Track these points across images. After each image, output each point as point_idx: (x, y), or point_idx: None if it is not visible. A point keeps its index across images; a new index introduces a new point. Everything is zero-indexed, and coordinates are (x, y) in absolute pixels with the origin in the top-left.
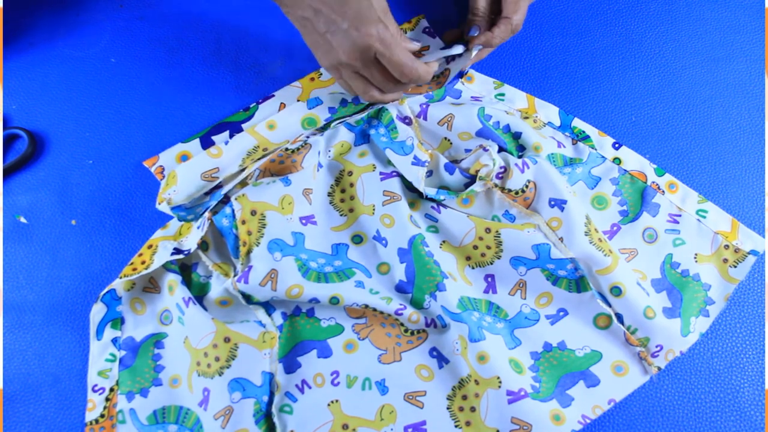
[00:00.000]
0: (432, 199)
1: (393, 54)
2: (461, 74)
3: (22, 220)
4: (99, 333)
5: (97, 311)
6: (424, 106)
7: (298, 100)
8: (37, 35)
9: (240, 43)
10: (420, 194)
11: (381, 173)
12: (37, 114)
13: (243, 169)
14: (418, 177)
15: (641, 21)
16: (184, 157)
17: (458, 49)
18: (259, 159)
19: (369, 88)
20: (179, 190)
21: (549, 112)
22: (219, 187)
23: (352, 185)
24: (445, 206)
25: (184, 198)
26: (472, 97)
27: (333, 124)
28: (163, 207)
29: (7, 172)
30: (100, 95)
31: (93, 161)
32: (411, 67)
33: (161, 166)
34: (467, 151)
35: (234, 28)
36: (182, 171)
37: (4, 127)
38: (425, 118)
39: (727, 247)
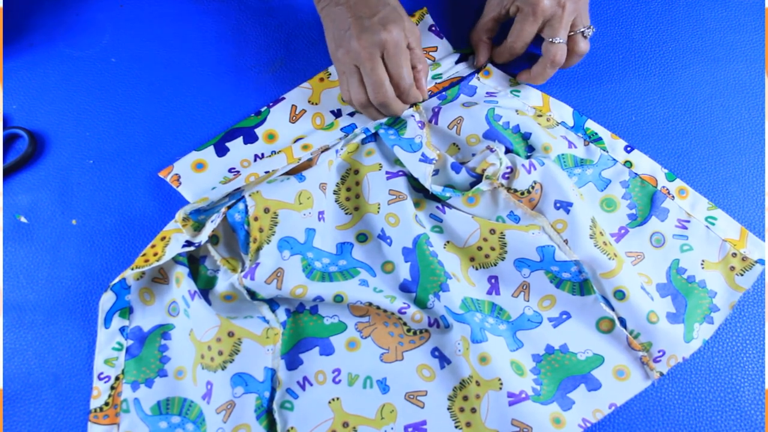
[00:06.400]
0: (437, 199)
1: (400, 62)
2: (478, 70)
3: (23, 219)
4: (107, 321)
5: (107, 299)
6: (437, 109)
7: (310, 102)
8: (37, 35)
9: (240, 43)
10: (425, 194)
11: (387, 172)
12: (37, 114)
13: (267, 173)
14: (425, 173)
15: (641, 21)
16: (200, 165)
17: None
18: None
19: (358, 90)
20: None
21: (563, 111)
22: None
23: (357, 183)
24: (450, 206)
25: (205, 203)
26: (487, 92)
27: (356, 131)
28: (178, 218)
29: (7, 172)
30: (100, 95)
31: (93, 161)
32: (407, 83)
33: (177, 174)
34: (474, 155)
35: (234, 27)
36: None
37: (4, 127)
38: (436, 123)
39: (734, 255)
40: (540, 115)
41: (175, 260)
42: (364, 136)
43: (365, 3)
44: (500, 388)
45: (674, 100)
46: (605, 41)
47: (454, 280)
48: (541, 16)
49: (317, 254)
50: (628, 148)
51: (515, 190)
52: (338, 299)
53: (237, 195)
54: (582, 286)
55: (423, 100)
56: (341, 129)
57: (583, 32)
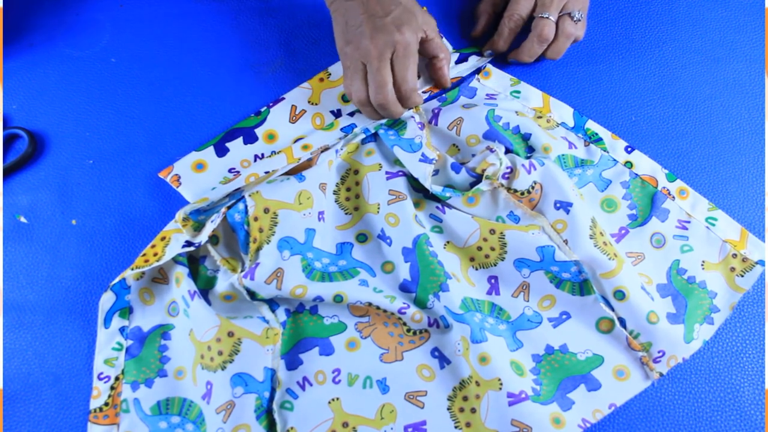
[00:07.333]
0: (437, 199)
1: (407, 65)
2: (478, 70)
3: (23, 219)
4: (107, 321)
5: (107, 300)
6: (436, 110)
7: (309, 102)
8: (37, 35)
9: (240, 43)
10: (425, 194)
11: (387, 172)
12: (37, 114)
13: (267, 173)
14: (425, 173)
15: (641, 21)
16: (200, 165)
17: (472, 62)
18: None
19: (360, 87)
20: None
21: (563, 112)
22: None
23: (357, 184)
24: (449, 206)
25: (205, 203)
26: (487, 94)
27: (356, 130)
28: (178, 218)
29: (7, 172)
30: (100, 95)
31: (93, 161)
32: (409, 88)
33: (177, 174)
34: (474, 156)
35: (234, 28)
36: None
37: (4, 127)
38: (436, 124)
39: (735, 255)
40: (540, 117)
41: (175, 260)
42: (363, 136)
43: (378, 1)
44: (500, 388)
45: (674, 100)
46: (605, 41)
47: (454, 280)
48: None
49: (317, 254)
50: (629, 149)
51: (515, 190)
52: (338, 299)
53: (237, 195)
54: (582, 287)
55: (447, 86)
56: (341, 129)
57: (571, 14)
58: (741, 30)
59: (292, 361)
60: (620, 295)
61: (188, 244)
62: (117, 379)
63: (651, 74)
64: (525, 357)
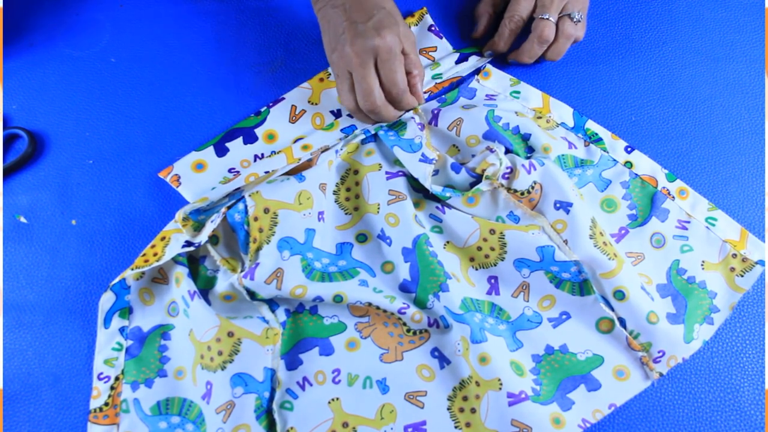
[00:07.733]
0: (437, 199)
1: (393, 68)
2: (478, 70)
3: (22, 220)
4: (107, 321)
5: (107, 300)
6: (436, 111)
7: (309, 102)
8: (37, 35)
9: (240, 43)
10: (425, 194)
11: (387, 172)
12: (37, 114)
13: (266, 173)
14: (425, 174)
15: (641, 21)
16: (200, 165)
17: (472, 61)
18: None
19: (349, 96)
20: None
21: (563, 112)
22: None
23: (357, 184)
24: (449, 206)
25: (205, 203)
26: (486, 95)
27: (356, 131)
28: (178, 218)
29: (7, 172)
30: (100, 95)
31: (93, 161)
32: (400, 90)
33: (177, 174)
34: (474, 156)
35: (234, 28)
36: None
37: (4, 127)
38: (436, 124)
39: (734, 255)
40: (540, 117)
41: (175, 260)
42: (364, 137)
43: (360, 7)
44: (500, 389)
45: (674, 100)
46: (605, 41)
47: (454, 280)
48: None
49: (317, 254)
50: (629, 149)
51: (515, 191)
52: (338, 299)
53: (237, 195)
54: (582, 287)
55: (419, 104)
56: (341, 130)
57: (570, 15)
58: (741, 30)
59: (292, 361)
60: (620, 295)
61: (188, 244)
62: (117, 379)
63: (651, 74)
64: (525, 357)
